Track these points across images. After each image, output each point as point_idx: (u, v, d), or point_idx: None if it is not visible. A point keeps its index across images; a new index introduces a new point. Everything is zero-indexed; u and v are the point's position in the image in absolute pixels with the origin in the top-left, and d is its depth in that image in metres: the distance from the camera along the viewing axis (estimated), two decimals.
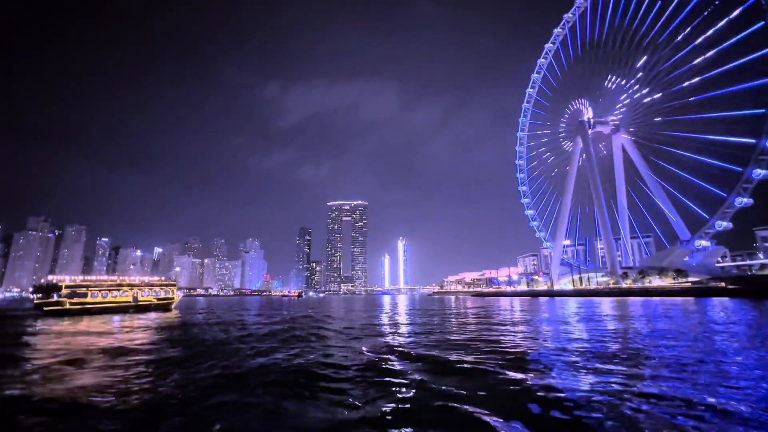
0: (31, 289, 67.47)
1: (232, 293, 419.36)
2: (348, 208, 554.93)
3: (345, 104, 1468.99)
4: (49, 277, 55.53)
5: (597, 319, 35.08)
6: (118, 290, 56.84)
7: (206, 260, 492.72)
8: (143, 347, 20.12)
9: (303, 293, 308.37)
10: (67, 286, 52.05)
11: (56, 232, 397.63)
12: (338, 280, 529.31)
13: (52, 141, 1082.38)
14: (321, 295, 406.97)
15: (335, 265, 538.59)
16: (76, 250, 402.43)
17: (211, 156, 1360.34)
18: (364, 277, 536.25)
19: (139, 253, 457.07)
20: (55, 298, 51.08)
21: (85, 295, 52.92)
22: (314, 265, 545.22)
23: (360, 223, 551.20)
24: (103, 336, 25.99)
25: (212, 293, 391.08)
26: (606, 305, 59.34)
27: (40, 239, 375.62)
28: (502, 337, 21.99)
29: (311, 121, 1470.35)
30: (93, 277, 60.02)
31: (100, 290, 54.93)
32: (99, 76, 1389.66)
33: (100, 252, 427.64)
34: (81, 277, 58.19)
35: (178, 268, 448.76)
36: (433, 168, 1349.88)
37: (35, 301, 53.69)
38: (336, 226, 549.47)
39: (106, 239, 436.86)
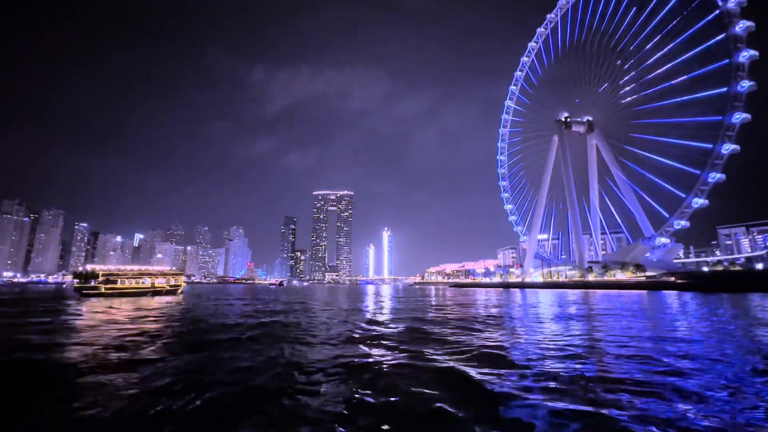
0: (71, 275, 79.35)
1: (215, 281, 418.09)
2: (334, 198, 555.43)
3: (333, 92, 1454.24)
4: (88, 267, 66.99)
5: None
6: (140, 278, 68.64)
7: (189, 247, 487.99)
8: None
9: (284, 282, 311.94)
10: (103, 274, 63.12)
11: (32, 216, 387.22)
12: (323, 269, 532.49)
13: (28, 122, 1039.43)
14: (305, 283, 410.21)
15: (320, 255, 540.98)
16: (53, 235, 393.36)
17: (194, 141, 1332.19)
18: (349, 267, 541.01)
19: (119, 239, 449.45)
20: (93, 283, 61.42)
21: (115, 282, 63.61)
22: (299, 254, 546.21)
23: (346, 213, 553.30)
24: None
25: (195, 281, 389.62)
26: (549, 296, 64.71)
27: (14, 223, 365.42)
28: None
29: (298, 107, 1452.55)
30: (123, 267, 71.95)
31: (127, 278, 66.38)
32: (77, 56, 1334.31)
33: (79, 237, 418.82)
34: (114, 267, 69.90)
35: (159, 255, 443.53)
36: (419, 159, 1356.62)
37: (75, 285, 63.75)
38: (321, 216, 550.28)
39: (85, 224, 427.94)
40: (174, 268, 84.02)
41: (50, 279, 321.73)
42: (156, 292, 68.20)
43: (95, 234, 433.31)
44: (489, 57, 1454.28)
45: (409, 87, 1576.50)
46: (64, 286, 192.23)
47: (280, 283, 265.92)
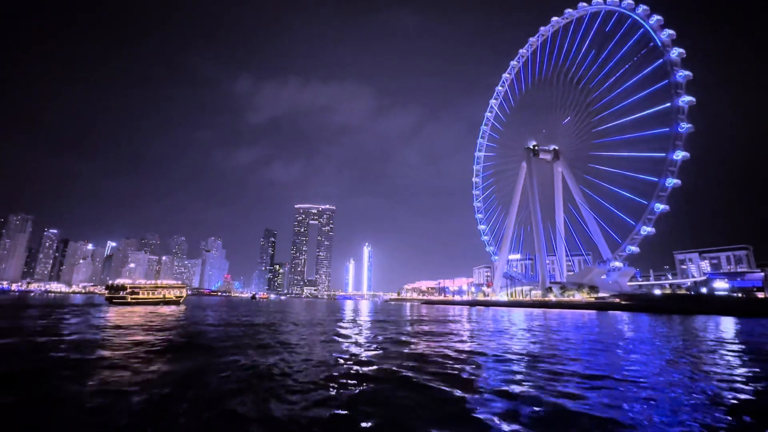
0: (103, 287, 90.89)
1: (189, 293, 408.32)
2: (315, 212, 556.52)
3: (319, 105, 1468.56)
4: (117, 281, 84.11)
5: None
6: (155, 290, 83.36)
7: (164, 258, 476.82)
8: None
9: (256, 295, 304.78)
10: (130, 287, 77.82)
11: None
12: (301, 283, 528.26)
13: None
14: (282, 297, 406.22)
15: (299, 269, 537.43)
16: (19, 241, 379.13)
17: (175, 149, 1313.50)
18: (328, 282, 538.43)
19: (90, 247, 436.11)
20: (121, 294, 75.70)
21: (138, 293, 77.83)
22: (278, 267, 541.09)
23: (327, 228, 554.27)
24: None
25: None
26: (504, 314, 70.75)
27: None
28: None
29: (283, 119, 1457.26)
30: (143, 281, 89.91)
31: (146, 290, 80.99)
32: (53, 58, 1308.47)
33: (47, 244, 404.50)
34: (138, 281, 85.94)
35: (132, 265, 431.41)
36: (402, 176, 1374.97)
37: (106, 295, 78.59)
38: (302, 230, 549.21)
39: (55, 231, 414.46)
40: (179, 282, 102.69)
41: (13, 287, 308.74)
42: (166, 302, 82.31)
43: (65, 241, 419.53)
44: (474, 79, 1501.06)
45: (394, 104, 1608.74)
46: (31, 294, 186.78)
47: (253, 297, 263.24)
